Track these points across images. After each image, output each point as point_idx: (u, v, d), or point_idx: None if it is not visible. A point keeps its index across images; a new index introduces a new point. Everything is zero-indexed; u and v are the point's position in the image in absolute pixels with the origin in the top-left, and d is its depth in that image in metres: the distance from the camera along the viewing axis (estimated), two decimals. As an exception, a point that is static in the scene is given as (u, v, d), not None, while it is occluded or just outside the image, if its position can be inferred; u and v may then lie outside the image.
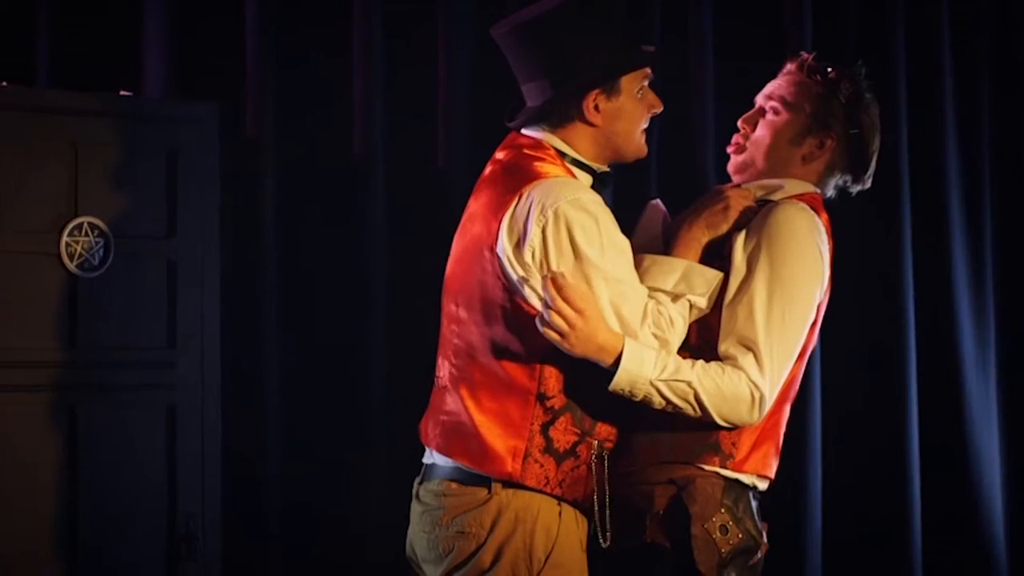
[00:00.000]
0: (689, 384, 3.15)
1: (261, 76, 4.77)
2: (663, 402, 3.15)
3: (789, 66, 3.48)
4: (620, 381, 3.13)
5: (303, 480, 4.74)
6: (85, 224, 4.22)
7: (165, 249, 4.36)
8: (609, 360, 3.13)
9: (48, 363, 4.20)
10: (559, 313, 3.09)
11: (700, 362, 3.18)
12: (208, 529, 4.36)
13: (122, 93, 4.41)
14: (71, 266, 4.21)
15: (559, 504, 3.24)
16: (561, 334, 3.10)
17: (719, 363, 3.19)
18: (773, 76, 3.52)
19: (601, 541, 3.24)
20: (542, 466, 3.20)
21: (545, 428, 3.20)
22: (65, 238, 4.20)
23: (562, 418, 3.21)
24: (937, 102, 5.83)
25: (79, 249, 4.21)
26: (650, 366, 3.14)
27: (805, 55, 3.49)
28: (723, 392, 3.16)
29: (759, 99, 3.48)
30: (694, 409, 3.17)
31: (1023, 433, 5.97)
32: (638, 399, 3.16)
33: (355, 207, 4.89)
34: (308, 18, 4.88)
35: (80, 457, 4.22)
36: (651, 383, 3.13)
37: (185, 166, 4.38)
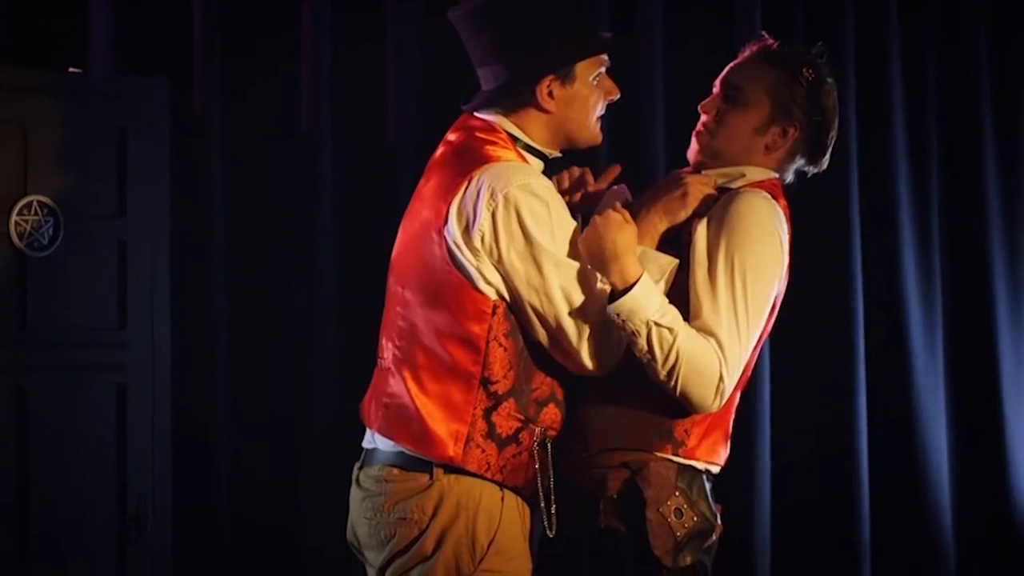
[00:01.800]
0: (675, 339, 3.11)
1: (208, 52, 4.74)
2: (644, 346, 3.11)
3: (749, 49, 3.44)
4: (622, 305, 3.10)
5: (253, 459, 4.74)
6: (34, 203, 4.20)
7: (115, 228, 4.35)
8: (618, 277, 3.11)
9: (-3, 344, 4.18)
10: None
11: (690, 327, 3.15)
12: (159, 509, 4.36)
13: (70, 70, 4.37)
14: (20, 245, 4.19)
15: (501, 490, 3.22)
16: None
17: (704, 336, 3.17)
18: (722, 56, 3.50)
19: (548, 529, 3.23)
20: (484, 451, 3.18)
21: (488, 413, 3.18)
22: (14, 217, 4.18)
23: (505, 403, 3.19)
24: (885, 84, 5.85)
25: (28, 228, 4.19)
26: (655, 306, 3.11)
27: (766, 38, 3.46)
28: (699, 363, 3.13)
29: (718, 83, 3.42)
30: (664, 367, 3.12)
31: (970, 419, 6.02)
32: (624, 330, 3.11)
33: (304, 183, 4.88)
34: (256, -8, 4.86)
35: (30, 438, 4.23)
36: (647, 322, 3.10)
37: (134, 143, 4.37)
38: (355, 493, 3.33)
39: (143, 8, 4.69)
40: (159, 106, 4.41)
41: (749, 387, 4.96)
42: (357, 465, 3.36)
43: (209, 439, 4.66)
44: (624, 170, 5.10)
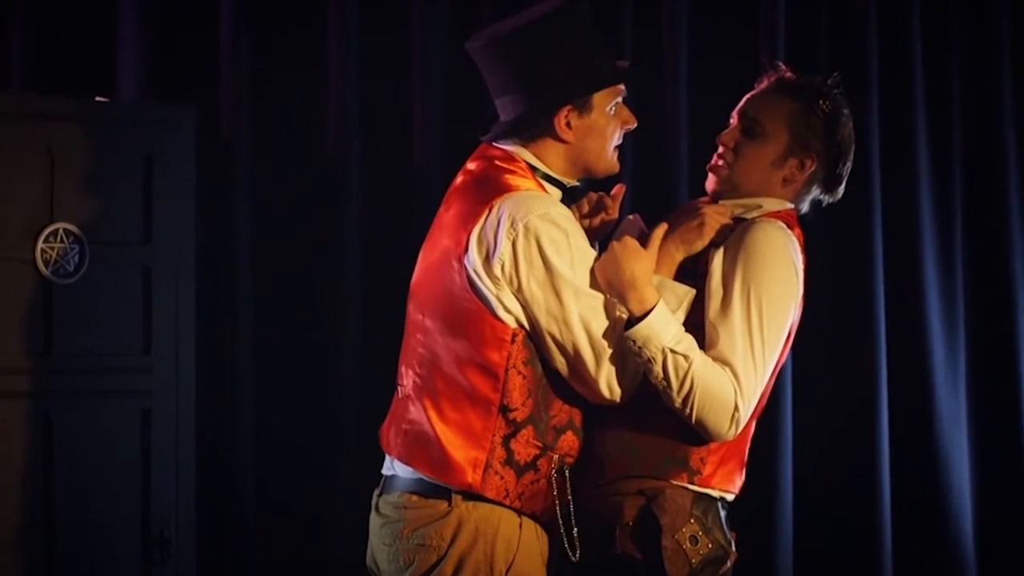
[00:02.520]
0: (691, 366, 3.13)
1: (236, 78, 4.78)
2: (660, 373, 3.13)
3: (765, 81, 3.45)
4: (639, 332, 3.12)
5: (277, 484, 4.76)
6: (60, 230, 4.23)
7: (141, 255, 4.37)
8: (636, 305, 3.13)
9: (23, 369, 4.22)
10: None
11: (705, 355, 3.17)
12: (182, 533, 4.38)
13: (97, 98, 4.41)
14: (46, 272, 4.22)
15: (519, 517, 3.24)
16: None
17: (720, 365, 3.18)
18: (746, 74, 3.52)
19: (571, 555, 3.25)
20: (502, 478, 3.21)
21: (507, 440, 3.21)
22: (40, 244, 4.21)
23: (524, 431, 3.22)
24: (909, 100, 5.84)
25: (54, 255, 4.22)
26: (671, 334, 3.13)
27: (782, 68, 3.47)
28: (714, 392, 3.15)
29: (736, 115, 3.43)
30: (680, 395, 3.14)
31: (991, 423, 6.00)
32: (640, 357, 3.13)
33: (330, 209, 4.90)
34: (283, 20, 4.89)
35: (56, 463, 4.24)
36: (663, 349, 3.12)
37: (161, 170, 4.39)
38: (374, 519, 3.36)
39: (171, 34, 4.73)
40: (186, 132, 4.43)
41: (771, 397, 5.00)
42: (376, 492, 3.39)
43: (233, 464, 4.69)
44: (647, 188, 5.18)
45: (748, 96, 3.46)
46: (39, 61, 4.56)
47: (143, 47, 4.67)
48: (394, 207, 4.95)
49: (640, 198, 5.17)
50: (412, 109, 5.03)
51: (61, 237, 4.23)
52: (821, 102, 3.38)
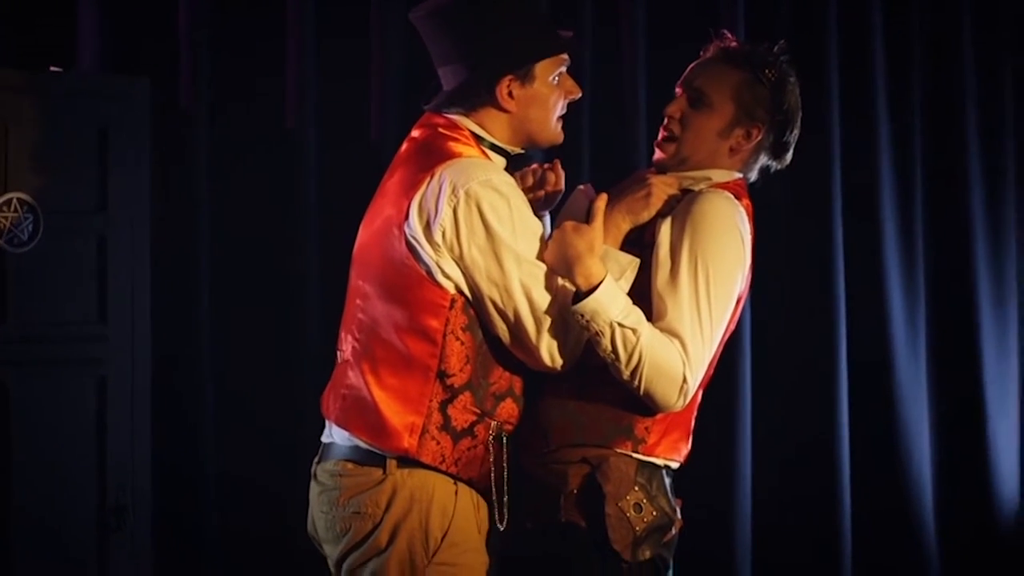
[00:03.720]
0: (639, 340, 3.14)
1: (194, 50, 4.77)
2: (608, 347, 3.14)
3: (710, 51, 3.45)
4: (586, 307, 3.13)
5: (235, 452, 4.77)
6: (14, 200, 4.23)
7: (95, 223, 4.38)
8: (582, 280, 3.14)
9: (-22, 339, 4.23)
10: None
11: (653, 327, 3.18)
12: (138, 501, 4.39)
13: (52, 69, 4.41)
14: (0, 242, 4.23)
15: (455, 483, 3.26)
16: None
17: (667, 336, 3.19)
18: (704, 41, 3.50)
19: (499, 523, 3.27)
20: (438, 443, 3.22)
21: (444, 406, 3.22)
22: (-6, 213, 4.22)
23: (461, 396, 3.23)
24: (869, 83, 5.87)
25: (8, 224, 4.22)
26: (619, 307, 3.14)
27: (727, 37, 3.46)
28: (662, 364, 3.16)
29: (681, 86, 3.43)
30: (628, 368, 3.15)
31: (953, 422, 6.04)
32: (588, 331, 3.15)
33: (288, 180, 4.91)
34: (240, -10, 4.90)
35: (12, 431, 4.24)
36: (611, 323, 3.13)
37: (116, 141, 4.38)
38: (313, 487, 3.38)
39: (130, 7, 4.72)
40: (140, 104, 4.43)
41: (729, 392, 4.99)
42: (315, 460, 3.40)
43: (189, 432, 4.70)
44: (607, 164, 5.19)
45: (692, 65, 3.46)
46: (-4, 34, 4.57)
47: (101, 19, 4.66)
48: (352, 179, 4.92)
49: (598, 166, 5.20)
50: (370, 81, 5.03)
51: (15, 206, 4.23)
52: (767, 71, 3.38)
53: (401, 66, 5.04)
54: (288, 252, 4.88)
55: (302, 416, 4.79)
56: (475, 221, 3.16)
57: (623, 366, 3.17)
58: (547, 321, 3.18)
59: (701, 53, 3.48)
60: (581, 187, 3.59)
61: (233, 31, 4.86)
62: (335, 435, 3.34)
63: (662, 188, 3.35)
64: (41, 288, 4.29)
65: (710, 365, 3.32)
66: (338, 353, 3.39)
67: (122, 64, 4.66)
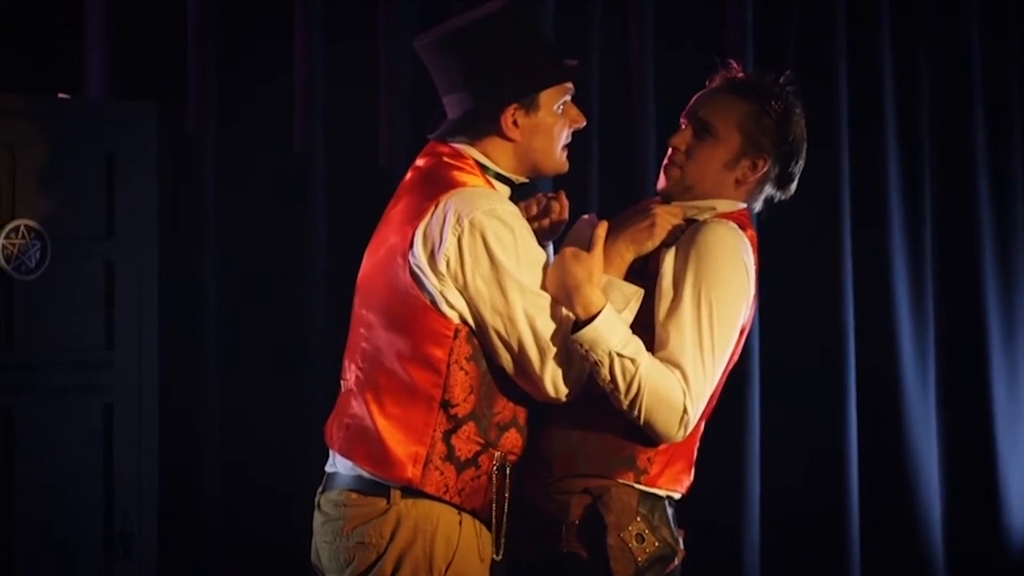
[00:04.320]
0: (638, 369, 3.13)
1: (201, 75, 4.78)
2: (607, 376, 3.13)
3: (716, 81, 3.44)
4: (585, 336, 3.12)
5: (242, 480, 4.76)
6: (22, 227, 4.25)
7: (103, 250, 4.39)
8: (581, 309, 3.14)
9: (-16, 365, 4.23)
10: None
11: (653, 357, 3.17)
12: (145, 528, 4.39)
13: (59, 95, 4.43)
14: (7, 268, 4.23)
15: (459, 514, 3.25)
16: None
17: (669, 367, 3.18)
18: (714, 68, 3.49)
19: (494, 554, 3.26)
20: (442, 473, 3.21)
21: (447, 436, 3.21)
22: (2, 240, 4.22)
23: (465, 427, 3.22)
24: (877, 88, 5.85)
25: (15, 252, 4.23)
26: (618, 338, 3.13)
27: (733, 67, 3.45)
28: (662, 394, 3.15)
29: (686, 117, 3.42)
30: (627, 398, 3.14)
31: (961, 440, 6.01)
32: (587, 360, 3.14)
33: (295, 206, 4.91)
34: (250, 18, 4.89)
35: (17, 458, 4.26)
36: (610, 352, 3.12)
37: (123, 167, 4.40)
38: (316, 517, 3.38)
39: (136, 32, 4.73)
40: (148, 130, 4.45)
41: (738, 408, 4.97)
42: (319, 490, 3.40)
43: (196, 459, 4.70)
44: (613, 185, 5.18)
45: (698, 96, 3.45)
46: (2, 59, 4.56)
47: (109, 45, 4.67)
48: (360, 205, 4.90)
49: (607, 195, 5.19)
50: (379, 107, 5.03)
51: (23, 233, 4.24)
52: (773, 102, 3.36)
53: (410, 92, 5.04)
54: (295, 278, 4.88)
55: (309, 444, 4.77)
56: (479, 251, 3.15)
57: (622, 396, 3.16)
58: (551, 351, 3.18)
59: (707, 83, 3.47)
60: (585, 217, 3.59)
61: (240, 56, 4.86)
62: (339, 465, 3.33)
63: (666, 218, 3.34)
64: (48, 314, 4.30)
65: (713, 396, 3.32)
66: (342, 382, 3.39)
67: (129, 89, 4.67)
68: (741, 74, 3.44)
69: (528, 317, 3.17)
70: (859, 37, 5.82)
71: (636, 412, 3.17)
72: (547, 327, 3.17)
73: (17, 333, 4.27)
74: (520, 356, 3.19)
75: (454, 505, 3.24)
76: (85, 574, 4.35)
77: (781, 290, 5.34)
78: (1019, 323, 6.11)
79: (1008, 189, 6.08)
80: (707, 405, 3.30)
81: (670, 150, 3.43)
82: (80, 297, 4.36)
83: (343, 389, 3.38)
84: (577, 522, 3.27)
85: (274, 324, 4.85)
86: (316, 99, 4.92)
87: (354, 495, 3.27)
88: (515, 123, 3.28)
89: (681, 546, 3.35)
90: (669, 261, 3.27)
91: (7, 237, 4.22)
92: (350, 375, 3.34)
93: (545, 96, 3.29)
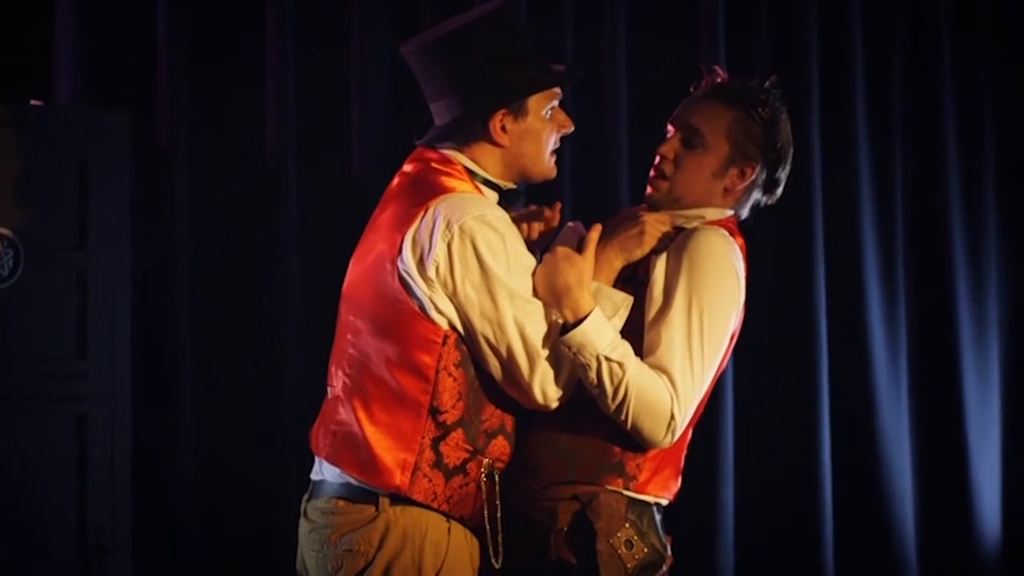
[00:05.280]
0: (625, 374, 3.11)
1: (173, 83, 4.76)
2: (595, 380, 3.12)
3: (701, 87, 3.42)
4: (573, 339, 3.11)
5: (215, 490, 4.73)
6: (-5, 234, 4.22)
7: (76, 259, 4.35)
8: (569, 312, 3.13)
9: (-42, 374, 4.19)
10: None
11: (641, 362, 3.16)
12: (119, 540, 4.35)
13: (32, 102, 4.38)
14: (-20, 278, 4.20)
15: (448, 521, 3.22)
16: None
17: (657, 372, 3.17)
18: (688, 80, 3.49)
19: (494, 561, 3.24)
20: (431, 481, 3.19)
21: (436, 443, 3.19)
22: (-26, 249, 4.19)
23: (454, 434, 3.20)
24: (849, 86, 5.87)
25: (-12, 260, 4.20)
26: (606, 341, 3.12)
27: (719, 72, 3.46)
28: (649, 400, 3.14)
29: (673, 124, 3.41)
30: (615, 402, 3.13)
31: (932, 439, 6.04)
32: (576, 363, 3.13)
33: (268, 214, 4.89)
34: (222, 28, 4.87)
35: (-10, 467, 4.22)
36: (597, 356, 3.11)
37: (96, 175, 4.38)
38: (303, 525, 3.34)
39: (108, 40, 4.71)
40: (121, 138, 4.42)
41: (713, 412, 4.97)
42: (305, 497, 3.36)
43: (170, 470, 4.66)
44: (586, 192, 5.18)
45: (685, 102, 3.43)
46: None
47: (80, 53, 4.64)
48: (332, 214, 4.94)
49: (579, 201, 5.19)
50: (351, 116, 5.02)
51: (-5, 242, 4.21)
52: (760, 108, 3.35)
53: (382, 98, 5.03)
54: (269, 284, 4.85)
55: (285, 455, 4.76)
56: (469, 256, 3.14)
57: (609, 400, 3.14)
58: (540, 358, 3.16)
59: (691, 89, 3.46)
60: (570, 224, 3.57)
61: (211, 62, 4.84)
62: (325, 472, 3.30)
63: (655, 226, 3.33)
64: (21, 324, 4.26)
65: (701, 403, 3.30)
66: (328, 389, 3.35)
67: (99, 97, 4.64)
68: (726, 79, 3.44)
69: (518, 324, 3.15)
70: (830, 32, 5.83)
71: (623, 417, 3.16)
72: (536, 334, 3.16)
73: (-9, 342, 4.23)
74: (509, 363, 3.16)
75: (442, 512, 3.22)
76: (59, 586, 4.30)
77: (752, 295, 5.35)
78: (990, 322, 6.14)
79: (978, 188, 6.11)
80: (695, 411, 3.29)
81: (657, 158, 3.41)
82: (53, 307, 4.32)
83: (329, 396, 3.35)
84: (566, 529, 3.25)
85: (248, 332, 4.83)
86: (287, 105, 4.91)
87: (342, 503, 3.23)
88: (503, 129, 3.26)
89: (669, 552, 3.34)
90: (660, 268, 3.26)
91: (-21, 245, 4.18)
92: (337, 381, 3.31)
93: (534, 101, 3.28)
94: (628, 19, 5.43)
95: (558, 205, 3.53)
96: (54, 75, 4.64)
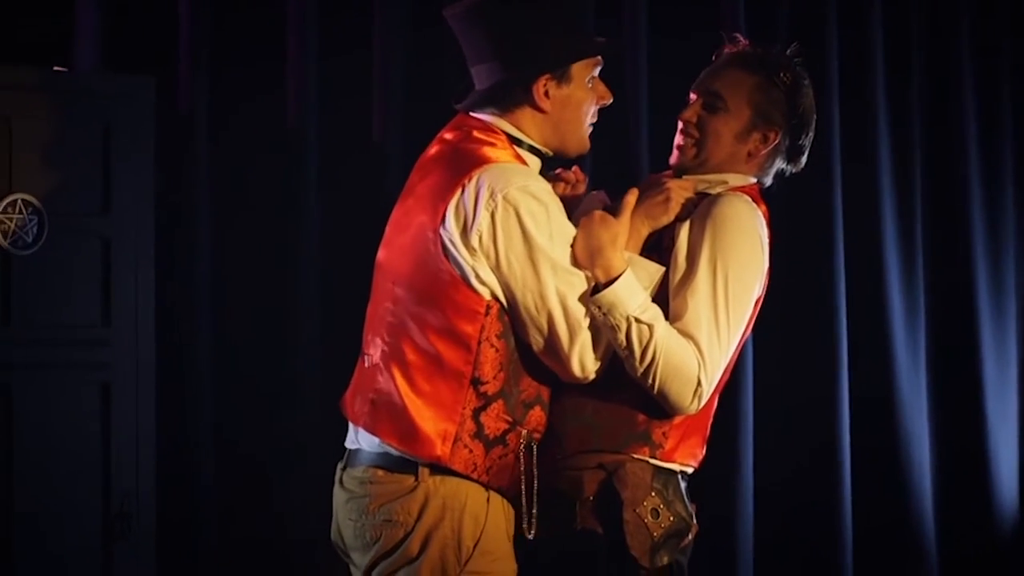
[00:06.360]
0: (654, 336, 3.12)
1: (194, 50, 4.73)
2: (623, 341, 3.13)
3: (724, 55, 3.45)
4: (604, 298, 3.12)
5: (239, 457, 4.73)
6: (19, 201, 4.19)
7: (100, 226, 4.33)
8: (601, 272, 3.14)
9: (-18, 341, 4.17)
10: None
11: (670, 326, 3.16)
12: (143, 507, 4.35)
13: (56, 68, 4.37)
14: (4, 244, 4.18)
15: (487, 491, 3.23)
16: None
17: (685, 339, 3.17)
18: (707, 53, 3.50)
19: (526, 532, 3.24)
20: (471, 451, 3.19)
21: (477, 413, 3.20)
22: (-1, 215, 4.18)
23: (494, 404, 3.20)
24: (869, 83, 5.87)
25: (12, 226, 4.18)
26: (637, 303, 3.13)
27: (740, 40, 3.46)
28: (677, 363, 3.14)
29: (696, 91, 3.43)
30: (643, 364, 3.13)
31: (953, 429, 6.05)
32: (606, 324, 3.13)
33: (290, 181, 4.87)
34: (244, -7, 4.86)
35: (15, 436, 4.20)
36: (627, 317, 3.11)
37: (120, 141, 4.34)
38: (339, 494, 3.34)
39: (129, 6, 4.68)
40: (145, 104, 4.38)
41: (730, 403, 4.98)
42: (340, 465, 3.37)
43: (193, 437, 4.66)
44: (608, 163, 5.17)
45: (707, 70, 3.46)
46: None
47: (101, 17, 4.62)
48: (354, 180, 4.93)
49: (600, 173, 5.17)
50: (372, 82, 4.99)
51: (20, 208, 4.19)
52: (782, 74, 3.38)
53: (403, 66, 5.01)
54: (291, 252, 4.84)
55: (308, 421, 4.76)
56: (512, 226, 3.13)
57: (637, 362, 3.15)
58: (581, 330, 3.17)
59: (713, 57, 3.48)
60: (595, 192, 3.57)
61: (234, 30, 4.81)
62: (362, 441, 3.30)
63: (680, 192, 3.35)
64: (45, 291, 4.24)
65: (726, 370, 3.31)
66: (365, 357, 3.35)
67: (120, 63, 4.61)
68: (748, 46, 3.44)
69: (560, 295, 3.15)
70: (849, 20, 5.81)
71: (650, 380, 3.16)
72: (578, 306, 3.16)
73: (14, 309, 4.21)
74: (549, 334, 3.17)
75: (481, 483, 3.23)
76: (83, 555, 4.29)
77: (772, 275, 5.36)
78: (1009, 304, 6.15)
79: (998, 170, 6.13)
80: (721, 378, 3.29)
81: (680, 124, 3.44)
82: (76, 274, 4.30)
83: (366, 364, 3.34)
84: (592, 498, 3.27)
85: (270, 300, 4.81)
86: (310, 72, 4.88)
87: (380, 472, 3.24)
88: (546, 94, 3.26)
89: (695, 521, 3.35)
90: (684, 234, 3.28)
91: (4, 212, 4.17)
92: (374, 350, 3.30)
93: (577, 69, 3.28)
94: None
95: (576, 169, 3.55)
96: (76, 41, 4.61)
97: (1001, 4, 6.11)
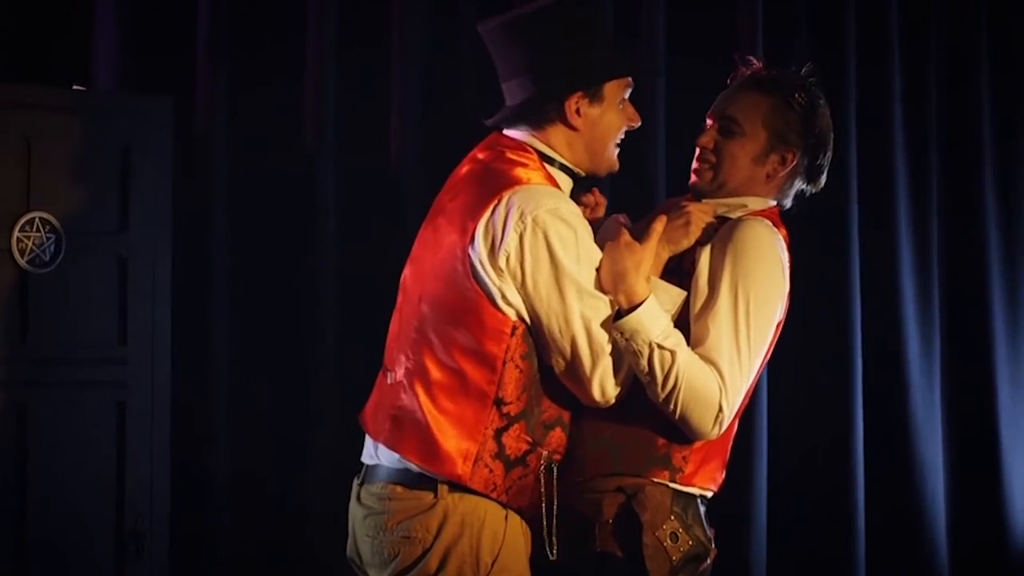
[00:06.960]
0: (676, 362, 3.12)
1: (212, 70, 4.75)
2: (646, 367, 3.12)
3: (739, 77, 3.45)
4: (627, 324, 3.11)
5: (253, 477, 4.73)
6: (37, 219, 4.19)
7: (117, 245, 4.33)
8: (624, 298, 3.14)
9: (-2, 359, 4.17)
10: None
11: (692, 352, 3.16)
12: (157, 526, 4.34)
13: (75, 87, 4.38)
14: (22, 262, 4.18)
15: (505, 509, 3.23)
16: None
17: (708, 365, 3.17)
18: (723, 75, 3.50)
19: (549, 553, 3.23)
20: (491, 471, 3.19)
21: (499, 433, 3.19)
22: (16, 234, 4.16)
23: (516, 425, 3.20)
24: (886, 97, 5.87)
25: (30, 245, 4.18)
26: (659, 329, 3.13)
27: (755, 63, 3.47)
28: (698, 389, 3.14)
29: (712, 116, 3.43)
30: (665, 390, 3.13)
31: (966, 440, 6.03)
32: (628, 349, 3.13)
33: (307, 200, 4.87)
34: (263, 16, 4.86)
35: (30, 454, 4.19)
36: (650, 343, 3.11)
37: (137, 160, 4.34)
38: (356, 510, 3.34)
39: (148, 26, 4.69)
40: (163, 124, 4.39)
41: (745, 427, 4.98)
42: (357, 481, 3.36)
43: (208, 457, 4.66)
44: (624, 185, 5.16)
45: (722, 94, 3.47)
46: (15, 50, 4.51)
47: (121, 37, 4.63)
48: (371, 203, 4.93)
49: (617, 195, 5.16)
50: (390, 107, 5.00)
51: (37, 226, 4.19)
52: (796, 95, 3.38)
53: (421, 85, 5.02)
54: (307, 272, 4.84)
55: (323, 441, 4.76)
56: (540, 249, 3.14)
57: (659, 388, 3.15)
58: (603, 355, 3.16)
59: (728, 81, 3.49)
60: (616, 215, 3.57)
61: (252, 50, 4.83)
62: (382, 457, 3.29)
63: (700, 216, 3.35)
64: (61, 309, 4.24)
65: (746, 394, 3.31)
66: (388, 374, 3.34)
67: (138, 83, 4.63)
68: (762, 69, 3.45)
69: (584, 319, 3.15)
70: (867, 38, 5.81)
71: (672, 406, 3.16)
72: (601, 331, 3.16)
73: (31, 328, 4.21)
74: (572, 357, 3.17)
75: (500, 502, 3.23)
76: (96, 572, 4.28)
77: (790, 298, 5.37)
78: (1023, 307, 6.13)
79: (1015, 171, 6.12)
80: (741, 402, 3.29)
81: (698, 150, 3.44)
82: (93, 292, 4.30)
83: (388, 380, 3.33)
84: (611, 521, 3.26)
85: (286, 320, 4.81)
86: (327, 94, 4.89)
87: (399, 488, 3.24)
88: (578, 112, 3.27)
89: (713, 545, 3.34)
90: (705, 259, 3.27)
91: (22, 230, 4.17)
92: (398, 367, 3.30)
93: (609, 88, 3.29)
94: (665, 18, 5.40)
95: (595, 191, 3.55)
96: (94, 60, 4.62)
97: (1019, 20, 6.10)
